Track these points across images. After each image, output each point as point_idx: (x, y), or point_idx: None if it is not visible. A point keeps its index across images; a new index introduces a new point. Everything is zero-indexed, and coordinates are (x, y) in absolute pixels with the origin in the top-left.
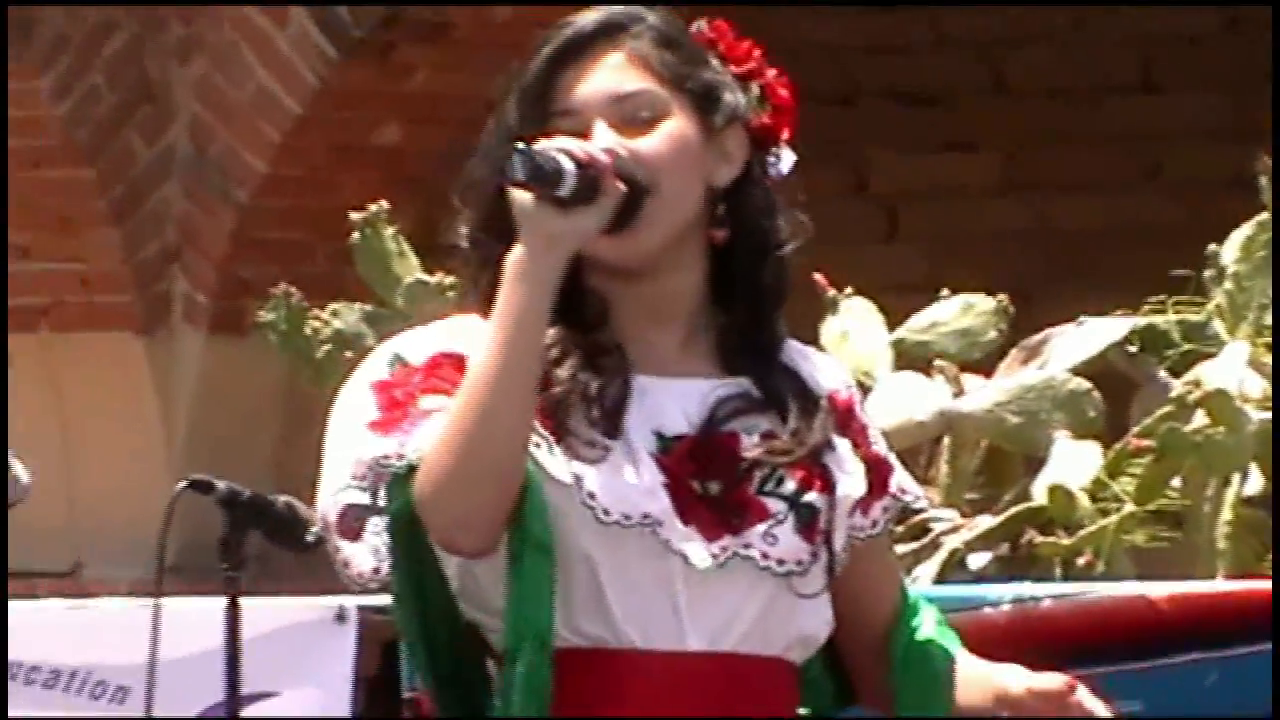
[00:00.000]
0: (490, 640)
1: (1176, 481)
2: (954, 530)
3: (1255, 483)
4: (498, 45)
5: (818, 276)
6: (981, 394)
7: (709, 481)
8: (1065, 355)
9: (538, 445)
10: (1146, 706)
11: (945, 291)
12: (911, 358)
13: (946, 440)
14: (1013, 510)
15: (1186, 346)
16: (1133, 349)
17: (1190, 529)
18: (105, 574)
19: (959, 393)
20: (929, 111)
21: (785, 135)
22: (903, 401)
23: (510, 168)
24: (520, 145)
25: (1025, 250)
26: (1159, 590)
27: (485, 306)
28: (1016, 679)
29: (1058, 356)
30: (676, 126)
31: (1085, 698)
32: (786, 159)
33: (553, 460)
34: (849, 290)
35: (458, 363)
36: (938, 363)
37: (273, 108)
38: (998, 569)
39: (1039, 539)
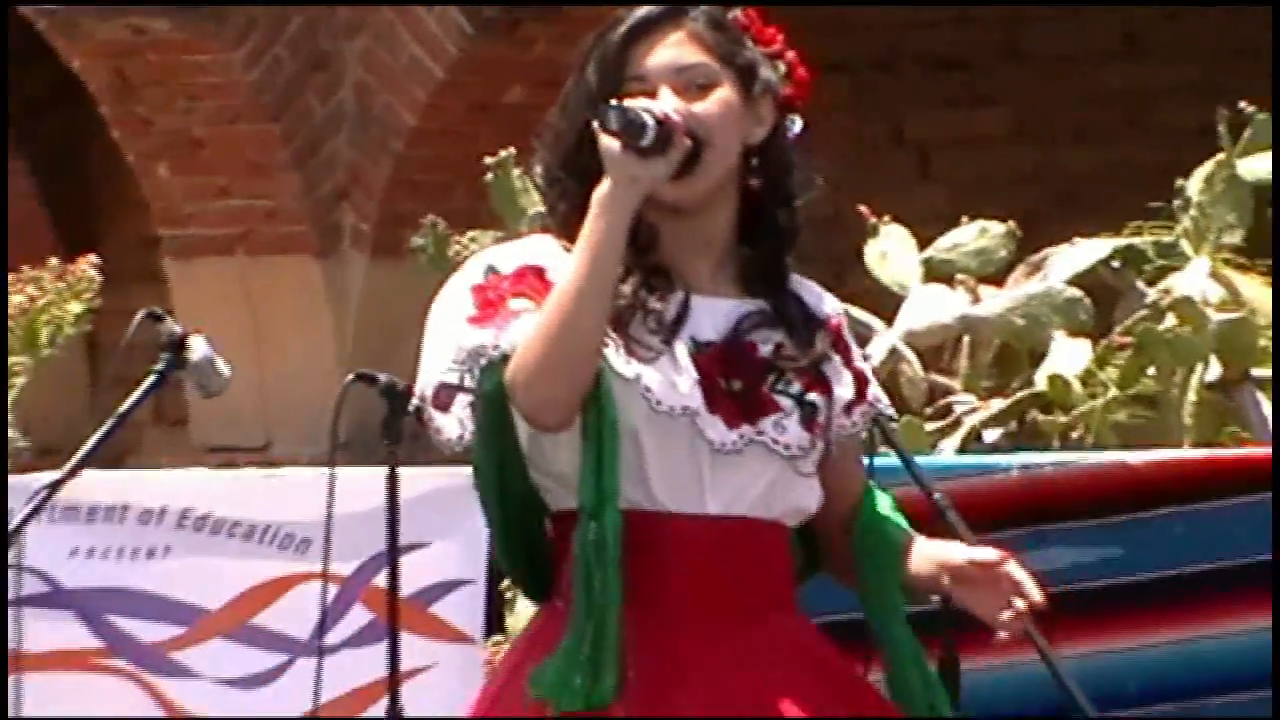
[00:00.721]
0: (546, 500)
1: (1152, 371)
2: (972, 411)
3: (1214, 371)
4: (602, 22)
5: (863, 208)
6: (994, 301)
7: (733, 380)
8: (1062, 270)
9: (607, 346)
10: (1125, 552)
11: (965, 220)
12: (938, 273)
13: (966, 339)
14: (1019, 395)
15: (1160, 262)
16: (1116, 264)
17: (1162, 409)
18: (290, 450)
19: (976, 301)
20: (954, 74)
21: (794, 108)
22: (931, 308)
23: (606, 119)
24: (614, 102)
25: (1031, 187)
26: (1137, 458)
27: (561, 230)
28: (958, 551)
29: (1056, 271)
30: (725, 94)
31: (1014, 569)
32: (796, 124)
33: (617, 358)
34: (887, 219)
35: (539, 273)
36: (959, 277)
37: (421, 73)
38: (1007, 442)
39: (1041, 418)
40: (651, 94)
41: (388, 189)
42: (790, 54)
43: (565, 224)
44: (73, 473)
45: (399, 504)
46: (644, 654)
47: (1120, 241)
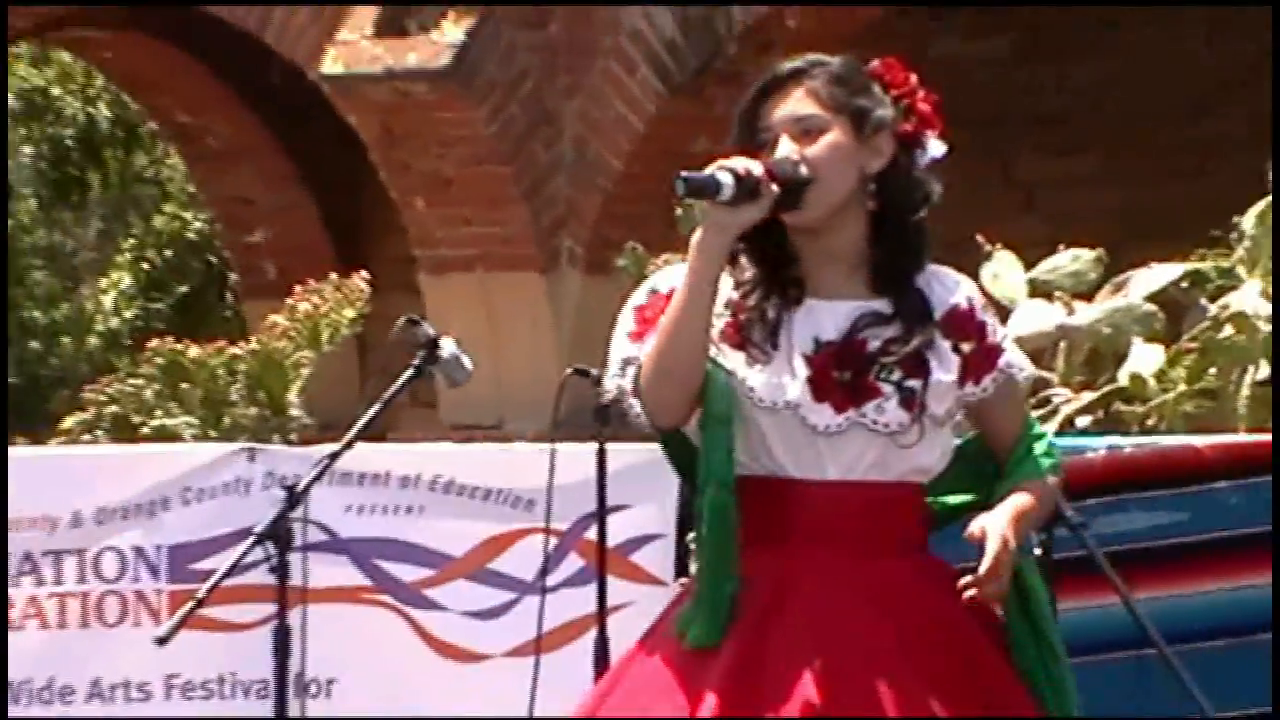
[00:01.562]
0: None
1: (1213, 371)
2: (1067, 402)
3: (1263, 371)
4: None
5: (979, 237)
6: (1085, 314)
7: (844, 372)
8: (1140, 288)
9: (720, 352)
10: (1190, 516)
11: (1061, 247)
12: (1039, 290)
13: (1062, 344)
14: (1106, 389)
15: (1219, 283)
16: (1185, 285)
17: (1221, 401)
18: (519, 428)
19: (1070, 313)
20: (1055, 127)
21: (930, 135)
22: (1034, 318)
23: (676, 188)
24: (680, 173)
25: (1116, 220)
26: (1201, 441)
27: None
28: (997, 515)
29: (1135, 289)
30: (834, 137)
31: (999, 560)
32: (935, 147)
33: (735, 362)
34: (999, 246)
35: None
36: (1056, 294)
37: (626, 127)
38: (1095, 427)
39: (1123, 408)
40: (775, 142)
41: (598, 219)
42: (919, 94)
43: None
44: (348, 445)
45: (606, 473)
46: (761, 589)
47: (1188, 266)
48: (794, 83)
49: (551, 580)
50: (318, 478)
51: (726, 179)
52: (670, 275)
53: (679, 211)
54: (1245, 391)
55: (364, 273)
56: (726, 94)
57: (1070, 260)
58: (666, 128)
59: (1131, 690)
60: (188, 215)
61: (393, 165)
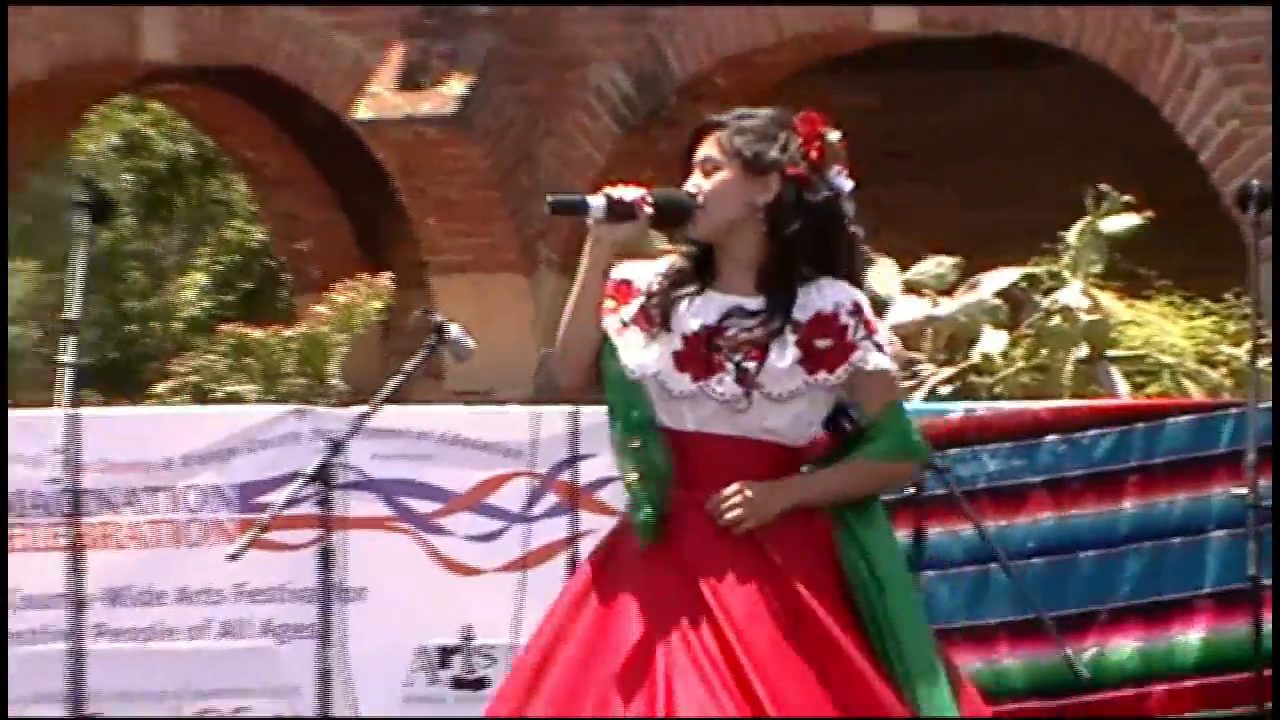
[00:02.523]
0: None
1: (1044, 351)
2: (933, 374)
3: (1083, 351)
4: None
5: (865, 247)
6: (946, 306)
7: (709, 351)
8: (989, 287)
9: (618, 330)
10: (1027, 463)
11: (925, 255)
12: (911, 289)
13: (929, 330)
14: (962, 365)
15: (1050, 284)
16: (1023, 285)
17: (1051, 375)
18: (506, 393)
19: (935, 306)
20: (918, 160)
21: (827, 174)
22: (907, 310)
23: (546, 208)
24: (548, 196)
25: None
26: (1036, 405)
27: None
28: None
29: (985, 288)
30: (723, 176)
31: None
32: (841, 184)
33: (634, 340)
34: (880, 254)
35: (628, 284)
36: (925, 291)
37: (591, 162)
38: (954, 395)
39: (975, 379)
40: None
41: (569, 233)
42: (815, 143)
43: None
44: (376, 407)
45: (579, 428)
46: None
47: (1025, 270)
48: (708, 131)
49: (534, 512)
50: (353, 432)
51: (598, 202)
52: (622, 270)
53: None
54: (1069, 367)
55: (388, 273)
56: (668, 135)
57: (935, 266)
58: (622, 161)
59: (982, 594)
60: (250, 229)
61: (410, 190)
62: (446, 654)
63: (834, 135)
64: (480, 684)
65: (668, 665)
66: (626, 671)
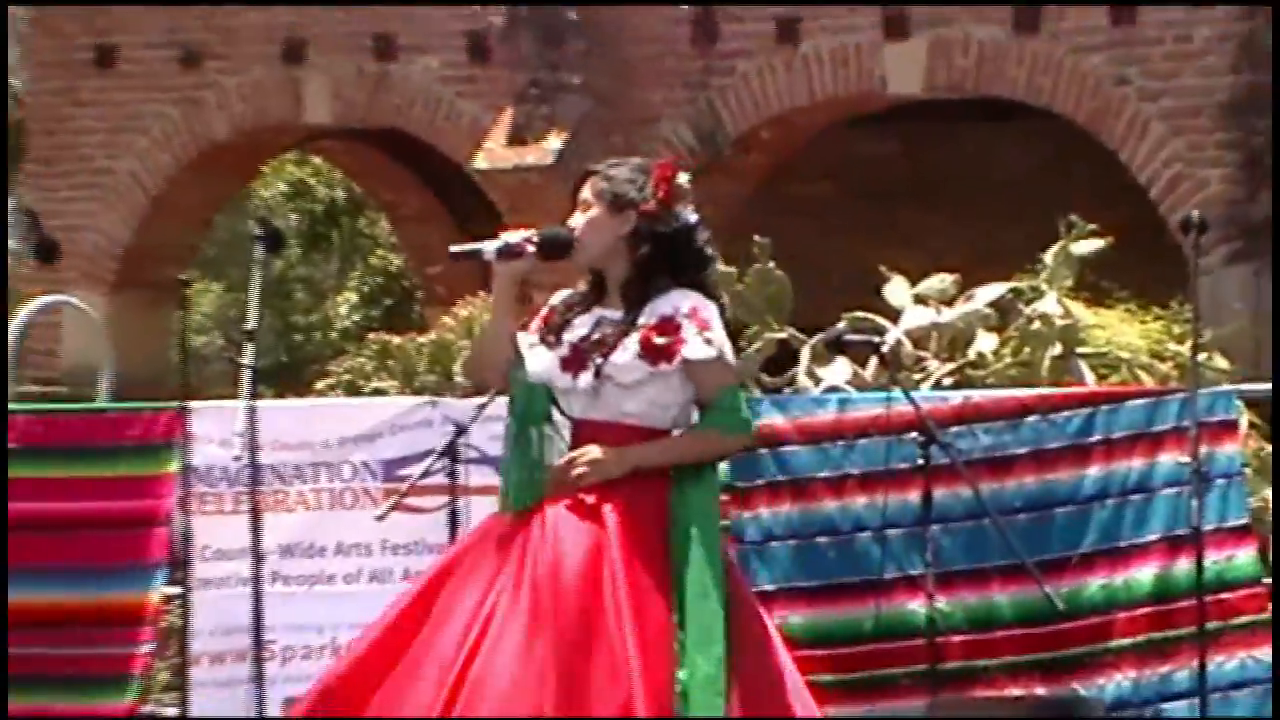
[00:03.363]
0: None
1: (1027, 350)
2: (938, 369)
3: (1057, 350)
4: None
5: (881, 267)
6: (948, 314)
7: (583, 355)
8: (982, 299)
9: (531, 345)
10: (1013, 439)
11: (931, 273)
12: (920, 300)
13: (934, 333)
14: (961, 362)
15: (1031, 295)
16: (1009, 296)
17: (1031, 368)
18: None
19: (939, 314)
20: (925, 197)
21: (670, 210)
22: (917, 318)
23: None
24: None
25: (968, 255)
26: (1021, 392)
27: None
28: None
29: (980, 299)
30: (594, 214)
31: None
32: (687, 216)
33: (533, 353)
34: (894, 272)
35: (551, 309)
36: (930, 301)
37: None
38: (954, 386)
39: (972, 373)
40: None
41: None
42: (661, 188)
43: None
44: (491, 398)
45: None
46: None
47: (1012, 284)
48: (586, 178)
49: None
50: (474, 419)
51: (489, 247)
52: (553, 296)
53: None
54: (1046, 363)
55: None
56: (724, 178)
57: (938, 281)
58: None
59: (978, 544)
60: (390, 257)
61: (516, 224)
62: None
63: (683, 178)
64: None
65: (493, 606)
66: (464, 603)
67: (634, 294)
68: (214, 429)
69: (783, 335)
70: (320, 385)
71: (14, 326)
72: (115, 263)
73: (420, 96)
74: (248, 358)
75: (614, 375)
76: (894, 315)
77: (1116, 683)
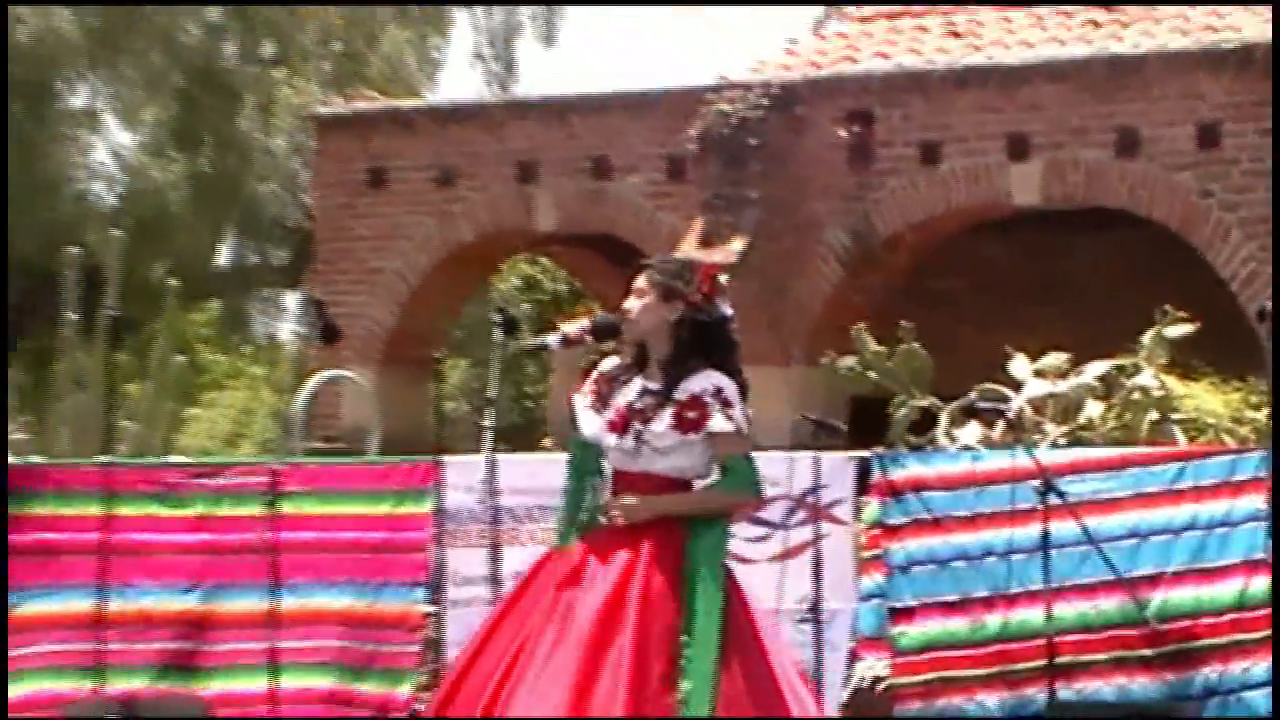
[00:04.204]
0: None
1: (1128, 416)
2: (1054, 431)
3: (1154, 416)
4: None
5: (1006, 347)
6: (1062, 386)
7: (626, 420)
8: (1091, 373)
9: (584, 409)
10: (1116, 485)
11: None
12: (1040, 373)
13: (1050, 401)
14: (1073, 425)
15: (1131, 371)
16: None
17: (1132, 431)
18: (770, 444)
19: (1054, 385)
20: (1041, 295)
21: (712, 304)
22: (1036, 389)
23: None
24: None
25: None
26: (1120, 450)
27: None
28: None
29: (1089, 373)
30: (648, 300)
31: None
32: (724, 310)
33: (586, 416)
34: (1017, 352)
35: (601, 375)
36: (1048, 375)
37: (819, 292)
38: (1068, 445)
39: (1082, 434)
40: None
41: (810, 341)
42: (704, 285)
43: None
44: None
45: (820, 468)
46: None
47: (1115, 362)
48: (641, 270)
49: (790, 522)
50: None
51: (552, 340)
52: (602, 364)
53: None
54: (1145, 427)
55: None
56: (875, 273)
57: (1054, 359)
58: (842, 291)
59: (1086, 565)
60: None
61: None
62: None
63: (723, 278)
64: None
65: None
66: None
67: (672, 370)
68: (461, 478)
69: (924, 403)
70: (546, 442)
71: (303, 394)
72: (383, 344)
73: (628, 208)
74: (488, 420)
75: (650, 440)
76: (1017, 387)
77: (1204, 675)
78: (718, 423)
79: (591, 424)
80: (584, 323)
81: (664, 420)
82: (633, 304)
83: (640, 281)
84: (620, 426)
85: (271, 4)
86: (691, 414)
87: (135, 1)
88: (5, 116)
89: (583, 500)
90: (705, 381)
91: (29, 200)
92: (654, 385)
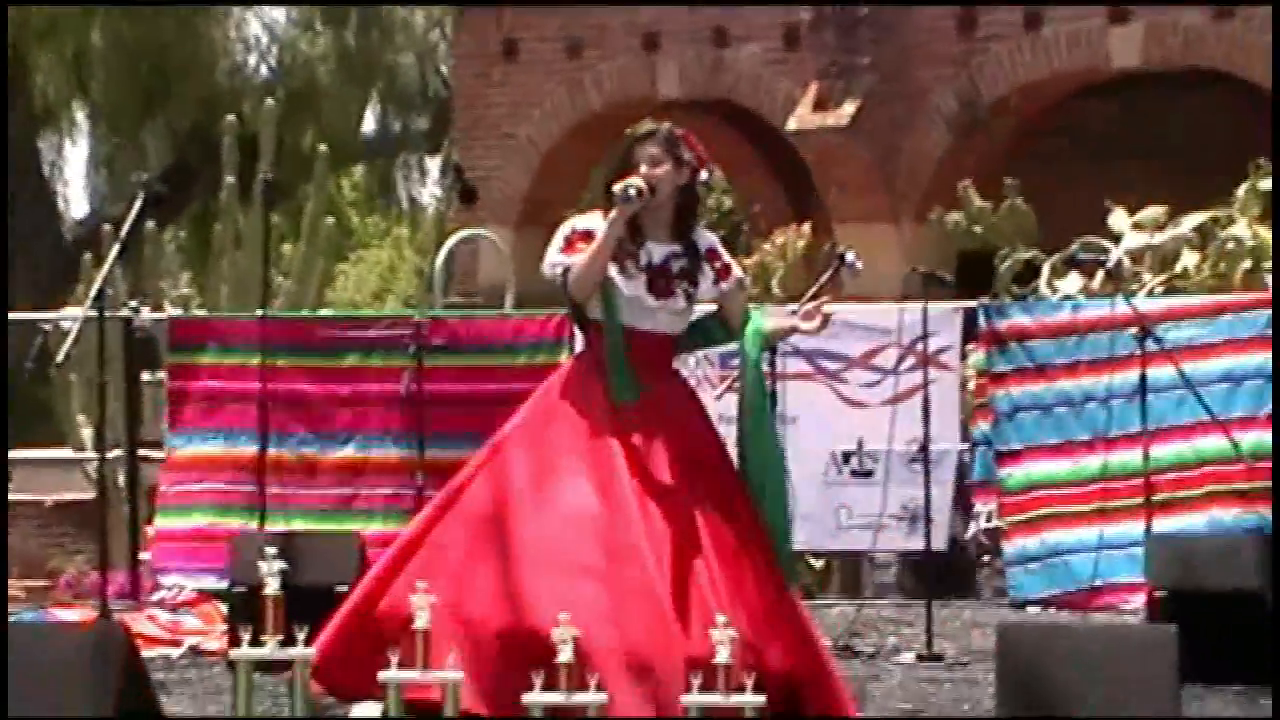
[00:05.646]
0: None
1: (1222, 265)
2: (1152, 280)
3: (1247, 264)
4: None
5: (1106, 202)
6: (1159, 238)
7: (664, 280)
8: (1188, 225)
9: (616, 272)
10: (1210, 331)
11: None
12: (1138, 226)
13: (1148, 253)
14: (1170, 274)
15: (1225, 222)
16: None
17: (1227, 278)
18: (881, 296)
19: (1152, 237)
20: (1129, 149)
21: (703, 170)
22: (1135, 241)
23: (615, 196)
24: (615, 194)
25: (1179, 195)
26: (1221, 298)
27: (604, 210)
28: (782, 319)
29: (1185, 225)
30: (666, 168)
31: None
32: (710, 174)
33: (617, 275)
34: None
35: (590, 234)
36: (1146, 228)
37: (929, 157)
38: (1165, 294)
39: (1178, 284)
40: (638, 167)
41: (921, 201)
42: (696, 150)
43: (603, 207)
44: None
45: (928, 316)
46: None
47: (1211, 214)
48: (646, 140)
49: (900, 368)
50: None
51: (632, 193)
52: (584, 220)
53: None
54: (1238, 276)
55: (807, 224)
56: (980, 138)
57: (1151, 212)
58: (951, 155)
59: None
60: (724, 198)
61: (821, 174)
62: (847, 455)
63: (701, 149)
64: (869, 474)
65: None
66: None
67: (684, 232)
68: None
69: (1028, 256)
70: None
71: (443, 253)
72: (517, 206)
73: (747, 75)
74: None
75: (697, 298)
76: (1116, 239)
77: None
78: (737, 270)
79: (630, 286)
80: (638, 181)
81: (707, 277)
82: (651, 172)
83: (653, 150)
84: (667, 289)
85: None
86: (718, 265)
87: None
88: (5, 115)
89: (620, 348)
90: (709, 239)
91: (190, 74)
92: (676, 248)
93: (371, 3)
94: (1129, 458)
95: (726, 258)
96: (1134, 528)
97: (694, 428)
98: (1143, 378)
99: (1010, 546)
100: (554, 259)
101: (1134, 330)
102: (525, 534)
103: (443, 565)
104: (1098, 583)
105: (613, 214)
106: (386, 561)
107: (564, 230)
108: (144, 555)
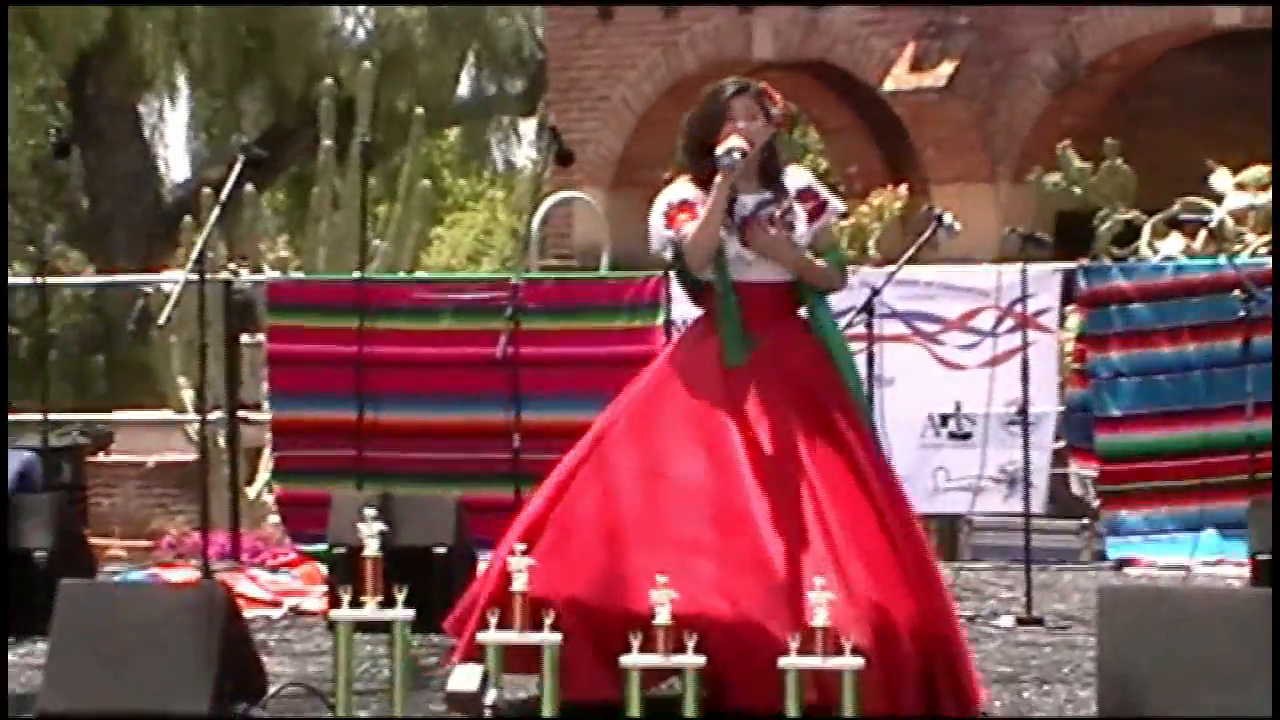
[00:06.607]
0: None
1: None
2: (1256, 240)
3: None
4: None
5: (1209, 161)
6: (1263, 197)
7: (755, 227)
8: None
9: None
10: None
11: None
12: (1241, 185)
13: (1251, 212)
14: (1273, 235)
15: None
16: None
17: None
18: (980, 257)
19: (1255, 196)
20: (1231, 107)
21: (784, 127)
22: (1237, 200)
23: (719, 160)
24: (721, 161)
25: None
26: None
27: (694, 179)
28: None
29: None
30: (758, 124)
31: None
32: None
33: (721, 233)
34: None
35: (690, 205)
36: (1249, 187)
37: (1027, 115)
38: (1268, 254)
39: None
40: (733, 123)
41: (1021, 160)
42: (780, 105)
43: (696, 180)
44: (900, 266)
45: (1028, 278)
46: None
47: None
48: (739, 95)
49: (999, 330)
50: (885, 281)
51: (737, 156)
52: (676, 190)
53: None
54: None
55: (904, 185)
56: (1079, 96)
57: (1255, 171)
58: (1051, 113)
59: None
60: (820, 160)
61: (917, 133)
62: (945, 418)
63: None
64: (967, 436)
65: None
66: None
67: (773, 178)
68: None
69: (1128, 216)
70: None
71: (538, 215)
72: (612, 168)
73: (842, 35)
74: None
75: (798, 241)
76: (1218, 199)
77: None
78: (835, 202)
79: (729, 242)
80: (738, 142)
81: (801, 219)
82: (747, 126)
83: (748, 104)
84: (753, 234)
85: None
86: (811, 205)
87: None
88: (5, 115)
89: (733, 310)
90: (801, 178)
91: (288, 37)
92: (764, 195)
93: None
94: (1230, 429)
95: (823, 194)
96: (1236, 507)
97: (810, 373)
98: (1246, 343)
99: (1108, 515)
100: (661, 235)
101: (1237, 293)
102: (637, 511)
103: (565, 549)
104: (1197, 560)
105: (718, 179)
106: (515, 541)
107: (659, 207)
108: (273, 519)
